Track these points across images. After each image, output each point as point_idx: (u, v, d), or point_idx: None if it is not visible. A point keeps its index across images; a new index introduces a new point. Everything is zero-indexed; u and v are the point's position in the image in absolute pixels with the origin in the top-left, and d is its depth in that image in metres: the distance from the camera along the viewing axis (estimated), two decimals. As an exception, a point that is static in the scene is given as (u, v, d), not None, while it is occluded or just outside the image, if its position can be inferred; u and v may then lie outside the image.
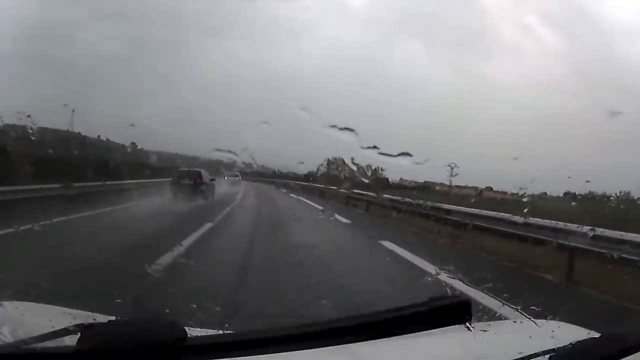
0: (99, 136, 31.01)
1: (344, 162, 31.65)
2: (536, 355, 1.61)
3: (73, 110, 25.18)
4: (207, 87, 44.47)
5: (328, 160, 30.37)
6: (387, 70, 40.11)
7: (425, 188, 27.38)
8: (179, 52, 42.78)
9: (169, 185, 14.78)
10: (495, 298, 2.74)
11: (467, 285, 3.04)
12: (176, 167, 16.38)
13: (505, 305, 2.44)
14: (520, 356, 1.61)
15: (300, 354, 1.62)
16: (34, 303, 1.67)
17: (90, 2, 39.45)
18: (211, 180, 16.33)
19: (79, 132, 27.09)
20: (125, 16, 46.79)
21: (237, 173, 22.21)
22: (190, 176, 15.00)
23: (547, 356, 1.59)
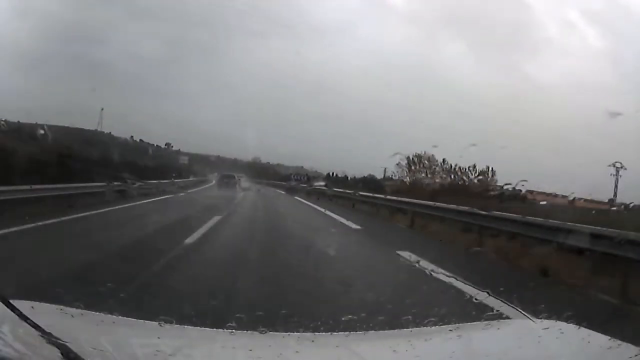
0: (131, 137, 31.40)
1: (433, 159, 21.71)
2: (536, 354, 1.61)
3: (102, 109, 25.50)
4: (247, 88, 44.10)
5: (408, 158, 22.00)
6: (428, 70, 38.65)
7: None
8: (218, 53, 42.25)
9: (216, 181, 27.99)
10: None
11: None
12: (214, 169, 29.26)
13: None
14: (520, 356, 1.61)
15: (301, 353, 1.62)
16: (34, 302, 1.67)
17: (127, 2, 39.34)
18: (238, 179, 28.23)
19: (110, 132, 27.85)
20: (163, 17, 46.67)
21: (242, 174, 30.92)
22: (228, 177, 27.67)
23: (547, 356, 1.60)
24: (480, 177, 21.33)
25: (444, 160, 22.60)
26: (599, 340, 1.56)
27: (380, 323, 2.03)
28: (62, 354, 1.21)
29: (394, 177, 23.51)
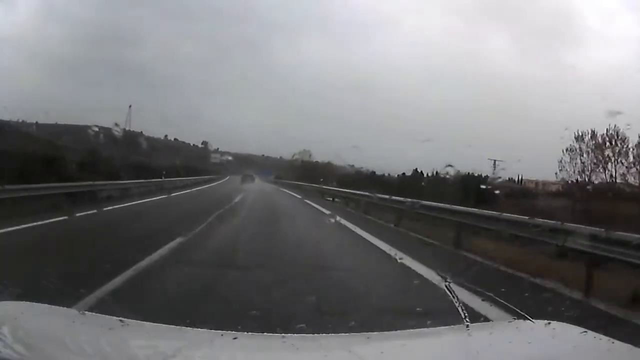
0: (165, 136, 31.81)
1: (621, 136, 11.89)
2: (535, 355, 1.61)
3: (130, 106, 25.57)
4: (287, 87, 43.91)
5: (579, 136, 12.64)
6: (470, 63, 37.54)
7: None
8: (253, 51, 42.10)
9: (240, 179, 31.76)
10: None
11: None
12: (249, 168, 33.96)
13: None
14: (520, 356, 1.61)
15: (300, 354, 1.62)
16: (34, 303, 1.66)
17: (161, 2, 39.21)
18: (254, 177, 33.50)
19: (141, 131, 28.23)
20: (198, 16, 46.62)
21: (253, 174, 34.83)
22: (249, 175, 32.79)
23: (546, 356, 1.60)
24: None
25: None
26: (598, 340, 1.56)
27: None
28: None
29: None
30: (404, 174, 21.67)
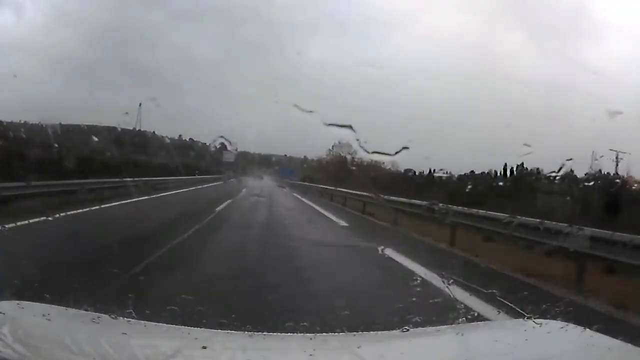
0: (180, 136, 31.96)
1: None
2: (534, 354, 1.61)
3: (140, 104, 25.41)
4: (304, 87, 43.86)
5: None
6: (487, 62, 37.16)
7: None
8: (271, 53, 42.12)
9: (251, 178, 33.48)
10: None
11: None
12: (267, 169, 35.22)
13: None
14: (520, 356, 1.61)
15: (300, 353, 1.62)
16: (34, 303, 1.67)
17: (175, 3, 39.04)
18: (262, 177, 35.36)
19: (153, 132, 28.46)
20: (213, 16, 46.65)
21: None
22: (258, 175, 33.58)
23: (545, 355, 1.60)
24: None
25: None
26: (599, 340, 1.56)
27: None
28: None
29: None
30: (472, 172, 16.42)
